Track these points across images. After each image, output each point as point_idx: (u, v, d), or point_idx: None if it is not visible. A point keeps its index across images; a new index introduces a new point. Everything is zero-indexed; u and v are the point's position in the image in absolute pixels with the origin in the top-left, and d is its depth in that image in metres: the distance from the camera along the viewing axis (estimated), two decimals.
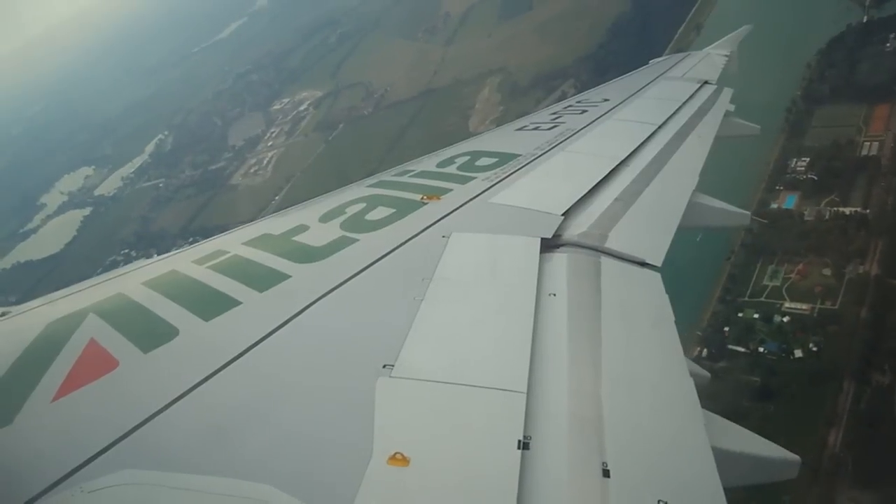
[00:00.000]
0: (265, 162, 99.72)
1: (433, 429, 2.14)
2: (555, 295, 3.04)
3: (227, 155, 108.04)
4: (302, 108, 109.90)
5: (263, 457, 2.03)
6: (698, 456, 2.09)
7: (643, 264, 3.47)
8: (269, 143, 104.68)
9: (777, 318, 39.54)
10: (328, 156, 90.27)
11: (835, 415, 32.81)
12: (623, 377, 2.49)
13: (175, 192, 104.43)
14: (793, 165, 48.57)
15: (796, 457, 2.60)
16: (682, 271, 42.23)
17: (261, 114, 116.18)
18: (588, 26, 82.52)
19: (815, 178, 46.74)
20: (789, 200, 46.50)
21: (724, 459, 2.12)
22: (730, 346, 39.26)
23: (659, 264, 3.48)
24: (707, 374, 3.29)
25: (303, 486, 1.87)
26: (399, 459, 1.93)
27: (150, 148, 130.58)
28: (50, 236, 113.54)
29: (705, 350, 39.58)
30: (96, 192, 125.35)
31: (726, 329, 40.37)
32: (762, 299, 41.31)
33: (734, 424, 2.62)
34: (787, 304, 40.01)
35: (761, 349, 38.18)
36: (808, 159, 48.24)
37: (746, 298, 41.90)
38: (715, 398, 35.80)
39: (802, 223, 44.52)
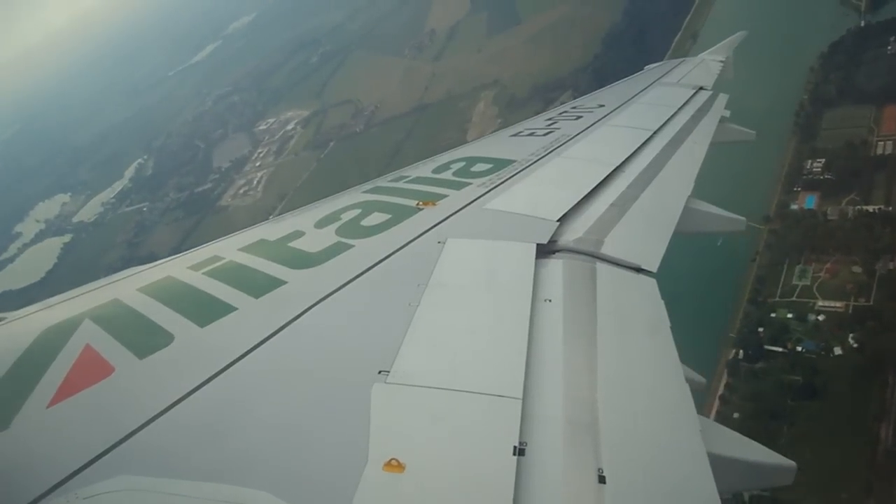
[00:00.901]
0: (255, 182, 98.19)
1: (429, 435, 2.13)
2: (550, 301, 3.06)
3: (214, 177, 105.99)
4: (289, 127, 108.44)
5: (259, 463, 2.03)
6: (694, 462, 2.09)
7: (639, 270, 3.48)
8: (258, 164, 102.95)
9: (812, 317, 39.35)
10: (322, 173, 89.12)
11: (884, 410, 32.52)
12: (619, 383, 2.50)
13: (161, 216, 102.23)
14: (808, 167, 48.80)
15: (792, 463, 2.58)
16: (706, 275, 42.16)
17: (245, 135, 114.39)
18: (582, 37, 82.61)
19: (833, 178, 46.95)
20: (809, 201, 46.64)
21: (720, 465, 2.13)
22: (766, 347, 38.97)
23: (654, 270, 3.48)
24: (703, 379, 3.26)
25: (298, 492, 1.87)
26: (394, 465, 1.93)
27: (130, 172, 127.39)
28: (29, 265, 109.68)
29: (741, 352, 39.35)
30: (75, 219, 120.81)
31: (761, 330, 40.09)
32: (793, 299, 41.07)
33: (730, 430, 2.61)
34: (819, 303, 39.85)
35: (799, 348, 37.91)
36: (823, 160, 48.45)
37: (777, 298, 41.67)
38: (759, 399, 35.64)
39: (826, 222, 44.61)
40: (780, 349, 38.47)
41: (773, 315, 40.66)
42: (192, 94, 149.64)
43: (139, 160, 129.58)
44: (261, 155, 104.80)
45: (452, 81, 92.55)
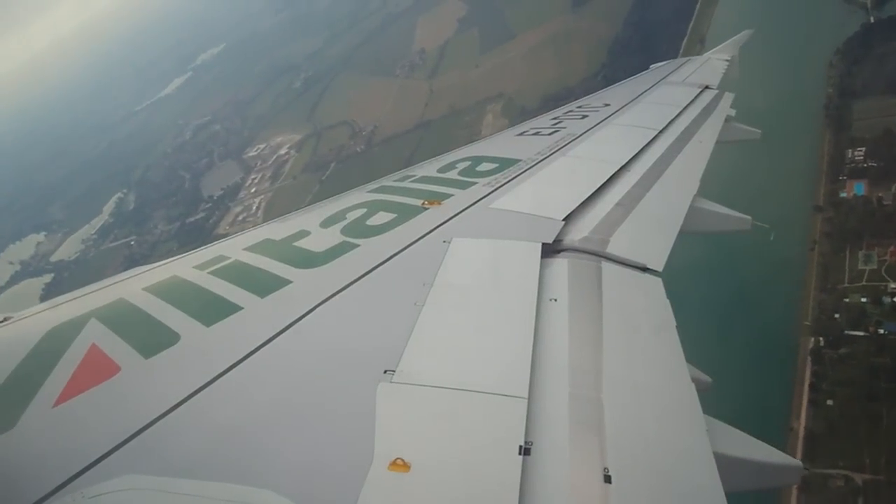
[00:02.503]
0: (254, 208, 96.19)
1: (434, 434, 2.14)
2: (556, 300, 3.04)
3: (206, 206, 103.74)
4: (282, 152, 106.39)
5: (264, 462, 2.03)
6: (700, 461, 2.11)
7: (644, 269, 3.46)
8: (253, 190, 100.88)
9: (886, 300, 39.06)
10: (326, 194, 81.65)
11: None
12: (624, 382, 2.50)
13: (152, 249, 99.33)
14: (850, 156, 49.06)
15: (798, 462, 2.59)
16: (765, 268, 41.61)
17: (234, 162, 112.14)
18: (584, 49, 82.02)
19: (878, 164, 47.20)
20: (858, 188, 46.61)
21: (726, 465, 2.13)
22: (847, 332, 38.57)
23: (660, 269, 3.46)
24: (709, 378, 3.05)
25: (304, 491, 1.88)
26: (400, 465, 1.94)
27: (109, 207, 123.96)
28: (6, 307, 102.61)
29: (822, 339, 38.91)
30: (53, 258, 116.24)
31: (837, 315, 39.78)
32: (864, 283, 40.81)
33: (736, 430, 2.57)
34: (892, 285, 39.60)
35: (881, 331, 37.54)
36: (863, 149, 48.69)
37: (847, 284, 41.36)
38: (851, 384, 35.23)
39: (881, 207, 44.74)
40: (861, 333, 38.02)
41: (846, 300, 40.22)
42: (166, 126, 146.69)
43: (118, 194, 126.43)
44: (255, 181, 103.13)
45: (454, 97, 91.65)
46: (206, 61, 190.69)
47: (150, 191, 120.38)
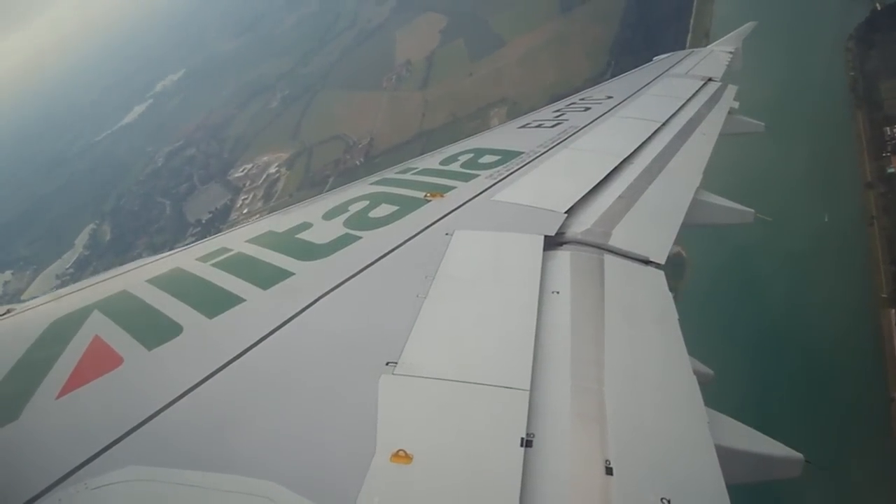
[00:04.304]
0: None
1: (436, 426, 2.14)
2: (558, 293, 3.05)
3: (195, 230, 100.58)
4: (272, 170, 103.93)
5: (267, 453, 2.03)
6: (701, 454, 2.11)
7: (647, 262, 3.45)
8: (245, 210, 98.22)
9: None
10: None
11: None
12: (626, 375, 2.50)
13: None
14: (889, 133, 49.61)
15: (799, 455, 2.57)
16: (828, 247, 41.39)
17: (219, 185, 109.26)
18: (584, 50, 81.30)
19: None
20: None
21: (727, 457, 2.14)
22: None
23: (662, 262, 3.45)
24: (711, 371, 3.10)
25: (306, 482, 1.88)
26: (402, 457, 1.94)
27: (82, 239, 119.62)
28: None
29: None
30: (25, 296, 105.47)
31: None
32: None
33: (738, 422, 2.58)
34: None
35: None
36: None
37: None
38: None
39: None
40: None
41: None
42: (133, 154, 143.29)
43: (90, 226, 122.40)
44: (246, 201, 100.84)
45: (453, 105, 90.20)
46: (166, 88, 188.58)
47: (127, 219, 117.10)
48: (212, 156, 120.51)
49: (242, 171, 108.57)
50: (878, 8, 61.47)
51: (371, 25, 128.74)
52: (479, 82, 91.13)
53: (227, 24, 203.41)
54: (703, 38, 68.07)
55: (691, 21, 73.67)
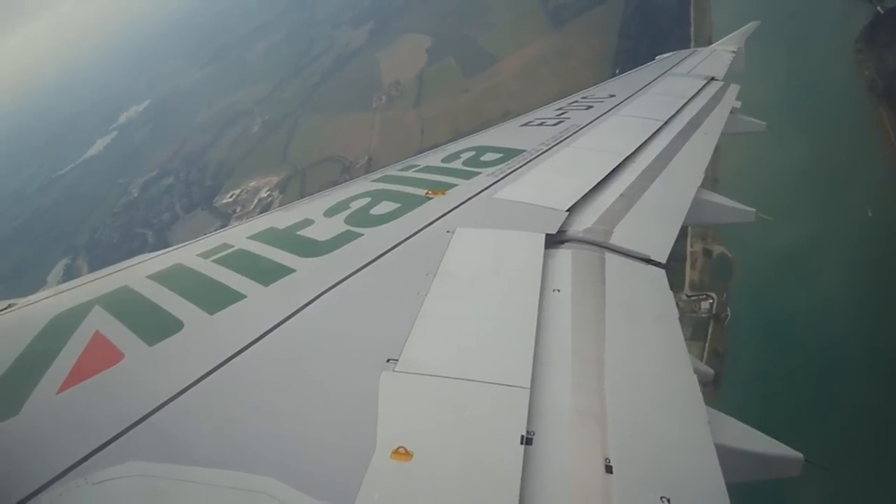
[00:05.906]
0: None
1: (436, 423, 2.12)
2: (559, 291, 3.02)
3: None
4: (263, 194, 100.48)
5: (267, 450, 2.02)
6: (701, 452, 2.10)
7: (648, 261, 3.43)
8: None
9: None
10: None
11: None
12: (626, 373, 2.48)
13: None
14: None
15: (799, 454, 2.56)
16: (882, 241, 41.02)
17: (205, 212, 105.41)
18: (585, 62, 79.88)
19: None
20: None
21: (727, 456, 2.13)
22: None
23: (664, 261, 3.42)
24: (711, 370, 3.13)
25: (306, 479, 1.87)
26: (402, 454, 1.93)
27: (55, 276, 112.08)
28: None
29: None
30: None
31: None
32: None
33: (737, 421, 2.57)
34: None
35: None
36: None
37: None
38: None
39: None
40: None
41: None
42: (104, 186, 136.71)
43: (64, 261, 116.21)
44: None
45: (453, 120, 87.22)
46: (131, 119, 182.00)
47: (105, 252, 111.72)
48: (193, 183, 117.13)
49: (231, 196, 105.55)
50: (881, 11, 62.98)
51: (350, 49, 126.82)
52: (477, 98, 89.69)
53: (188, 54, 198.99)
54: (706, 45, 68.33)
55: (691, 30, 74.20)
